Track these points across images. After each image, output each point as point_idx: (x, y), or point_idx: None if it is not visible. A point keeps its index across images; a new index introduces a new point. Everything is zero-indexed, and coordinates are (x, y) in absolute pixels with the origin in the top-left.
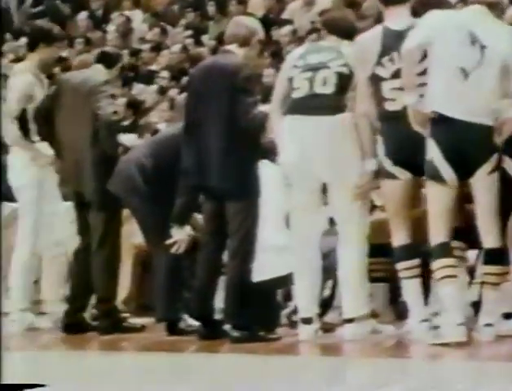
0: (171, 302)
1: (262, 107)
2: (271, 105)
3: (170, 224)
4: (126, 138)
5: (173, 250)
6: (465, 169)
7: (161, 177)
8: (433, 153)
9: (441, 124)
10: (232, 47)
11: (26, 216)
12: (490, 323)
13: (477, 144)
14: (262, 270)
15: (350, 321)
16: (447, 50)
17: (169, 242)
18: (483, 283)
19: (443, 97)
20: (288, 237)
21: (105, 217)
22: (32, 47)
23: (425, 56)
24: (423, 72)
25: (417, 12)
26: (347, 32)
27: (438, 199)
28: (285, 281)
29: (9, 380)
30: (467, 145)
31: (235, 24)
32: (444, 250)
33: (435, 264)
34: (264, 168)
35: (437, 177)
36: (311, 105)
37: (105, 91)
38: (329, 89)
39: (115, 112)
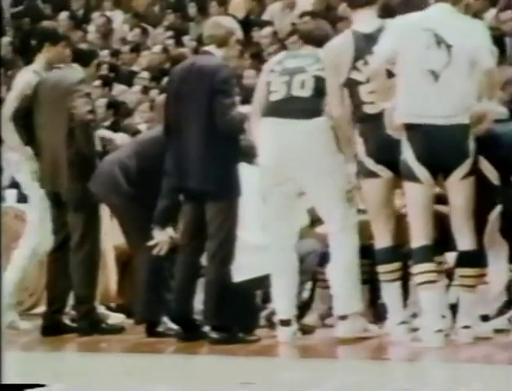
0: (151, 304)
1: (242, 108)
2: (251, 108)
3: (152, 225)
4: (119, 137)
5: (154, 252)
6: (438, 170)
7: (144, 178)
8: (406, 154)
9: (413, 128)
10: (211, 48)
11: (33, 213)
12: (468, 325)
13: (450, 146)
14: (241, 270)
15: (342, 318)
16: (414, 54)
17: (150, 243)
18: (463, 285)
19: (413, 103)
20: (266, 238)
21: (84, 217)
22: (38, 48)
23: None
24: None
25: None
26: (323, 42)
27: (415, 199)
28: (265, 281)
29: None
30: (440, 148)
31: (212, 24)
32: (425, 254)
33: (415, 268)
34: (242, 168)
35: (411, 177)
36: (288, 108)
37: (80, 90)
38: (307, 92)
39: (90, 111)
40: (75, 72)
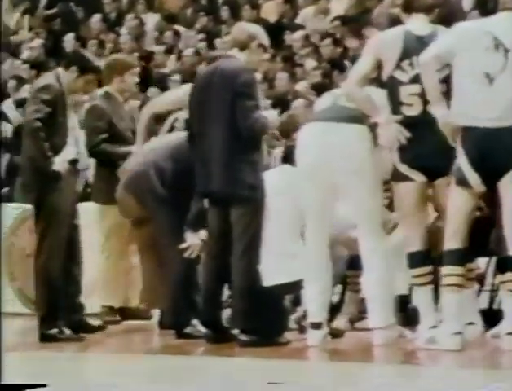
0: (182, 307)
1: (266, 113)
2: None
3: (185, 228)
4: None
5: (186, 254)
6: (491, 174)
7: (179, 181)
8: (461, 160)
9: (468, 132)
10: (234, 52)
11: None
12: None
13: (504, 149)
14: (273, 275)
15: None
16: (471, 56)
17: (182, 246)
18: (511, 291)
19: (468, 106)
20: (299, 244)
21: (40, 227)
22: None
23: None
24: (444, 80)
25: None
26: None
27: (460, 205)
28: (295, 287)
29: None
30: (493, 151)
31: (236, 29)
32: (456, 257)
33: (443, 269)
34: (281, 172)
35: (463, 183)
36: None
37: (38, 97)
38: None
39: (39, 119)
40: (45, 77)
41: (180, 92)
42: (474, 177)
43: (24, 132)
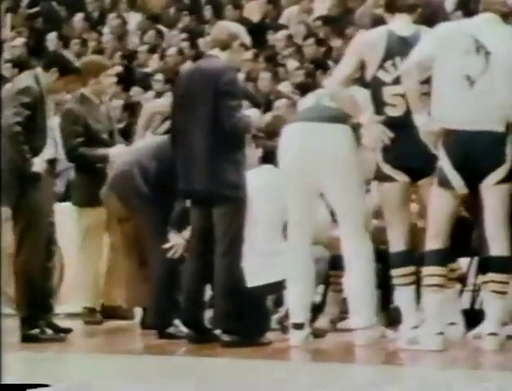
0: (164, 307)
1: (249, 111)
2: (258, 113)
3: (168, 228)
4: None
5: (169, 254)
6: (473, 177)
7: (163, 180)
8: (443, 161)
9: (449, 134)
10: (215, 51)
11: None
12: (495, 332)
13: (485, 152)
14: (256, 275)
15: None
16: (451, 59)
17: (166, 246)
18: (493, 291)
19: (449, 110)
20: (282, 243)
21: (19, 227)
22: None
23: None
24: (425, 81)
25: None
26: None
27: (442, 206)
28: (278, 287)
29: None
30: (475, 153)
31: (217, 28)
32: (437, 258)
33: (425, 270)
34: (263, 172)
35: (445, 184)
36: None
37: (18, 100)
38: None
39: (18, 123)
40: (24, 79)
41: (163, 102)
42: (456, 179)
43: (4, 134)
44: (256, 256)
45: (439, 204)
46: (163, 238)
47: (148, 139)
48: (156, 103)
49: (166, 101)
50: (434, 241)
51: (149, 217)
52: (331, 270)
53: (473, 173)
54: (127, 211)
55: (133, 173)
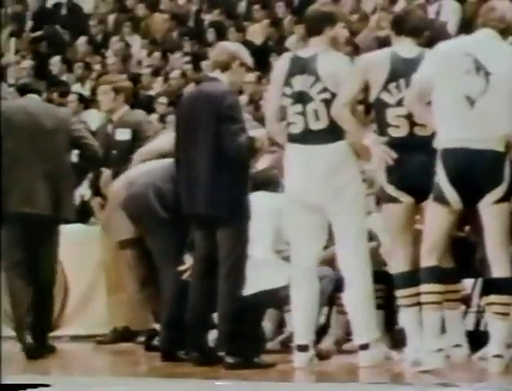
0: (176, 331)
1: (254, 132)
2: (264, 132)
3: (185, 250)
4: None
5: (184, 276)
6: (471, 195)
7: (179, 203)
8: (440, 176)
9: (448, 152)
10: (216, 73)
11: None
12: (500, 354)
13: (483, 171)
14: (252, 283)
15: (364, 347)
16: (451, 80)
17: (181, 268)
18: (495, 313)
19: (449, 128)
20: (272, 252)
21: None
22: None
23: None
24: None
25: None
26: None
27: (437, 222)
28: (275, 296)
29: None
30: (474, 172)
31: (216, 49)
32: (433, 275)
33: (422, 288)
34: (268, 195)
35: (441, 199)
36: (309, 138)
37: None
38: (323, 123)
39: None
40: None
41: (163, 141)
42: (452, 195)
43: None
44: (251, 267)
45: (433, 220)
46: (176, 260)
47: (162, 162)
48: (142, 152)
49: (150, 149)
50: (429, 258)
51: (164, 240)
52: (335, 291)
53: (471, 191)
54: (139, 232)
55: (148, 195)
